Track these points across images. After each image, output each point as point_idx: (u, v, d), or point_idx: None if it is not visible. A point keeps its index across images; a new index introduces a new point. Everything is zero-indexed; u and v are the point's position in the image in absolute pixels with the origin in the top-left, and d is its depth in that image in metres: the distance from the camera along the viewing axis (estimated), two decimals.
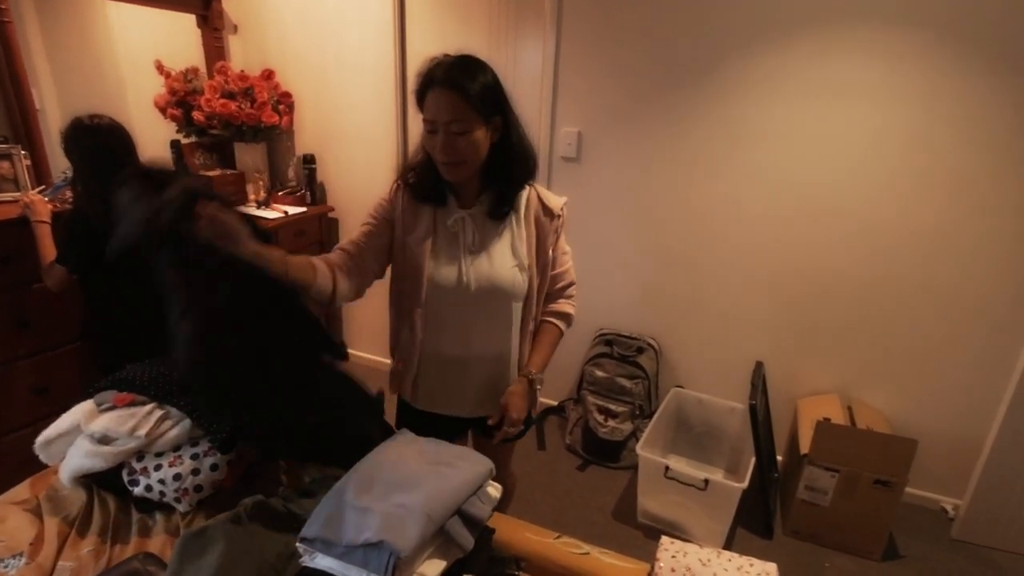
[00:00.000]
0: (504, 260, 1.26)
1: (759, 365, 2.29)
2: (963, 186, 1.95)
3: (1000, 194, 1.92)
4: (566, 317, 1.40)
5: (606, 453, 2.44)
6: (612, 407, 2.37)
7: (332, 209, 2.97)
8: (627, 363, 2.37)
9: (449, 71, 1.10)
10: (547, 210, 1.31)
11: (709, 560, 1.22)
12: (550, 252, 1.33)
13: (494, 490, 1.22)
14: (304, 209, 2.79)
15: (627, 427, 2.38)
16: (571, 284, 1.42)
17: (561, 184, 2.50)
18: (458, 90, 1.09)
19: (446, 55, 1.14)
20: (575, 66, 2.34)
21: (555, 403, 2.80)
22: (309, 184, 2.85)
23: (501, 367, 1.35)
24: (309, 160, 2.84)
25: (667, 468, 2.00)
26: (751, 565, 1.21)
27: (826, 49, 1.98)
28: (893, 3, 1.87)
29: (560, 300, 1.40)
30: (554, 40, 2.32)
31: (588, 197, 2.47)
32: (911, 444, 1.89)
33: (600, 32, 2.26)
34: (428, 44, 2.58)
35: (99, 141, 1.73)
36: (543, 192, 1.32)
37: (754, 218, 2.23)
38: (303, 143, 2.94)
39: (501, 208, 1.25)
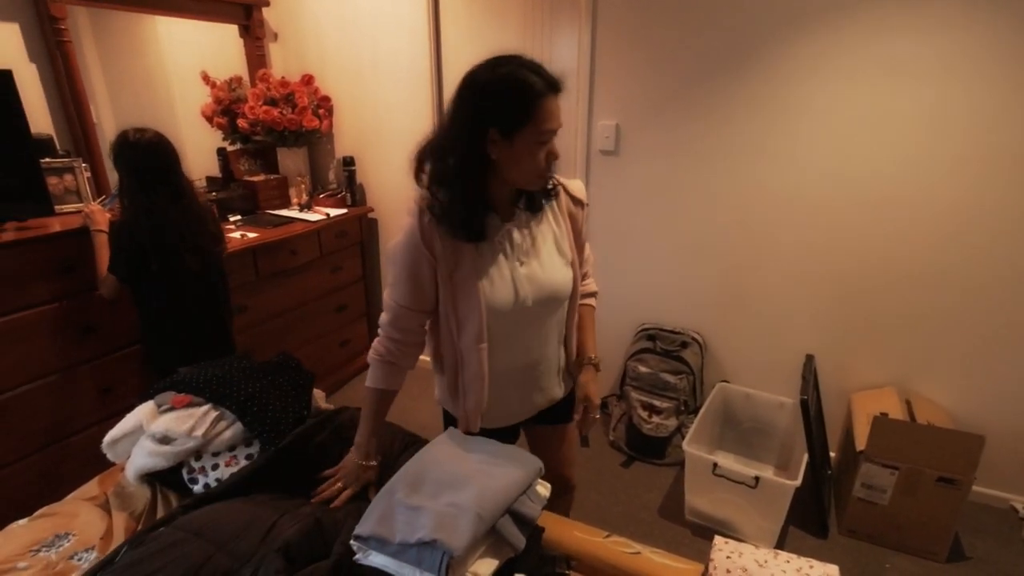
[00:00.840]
0: (554, 262, 1.21)
1: (810, 359, 2.21)
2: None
3: None
4: (595, 294, 1.42)
5: (651, 450, 2.41)
6: (656, 403, 2.33)
7: (371, 210, 3.02)
8: (671, 358, 2.33)
9: (551, 75, 1.04)
10: (575, 200, 1.27)
11: (766, 561, 1.18)
12: (584, 240, 1.32)
13: (543, 489, 1.22)
14: (345, 211, 2.84)
15: (672, 423, 2.34)
16: (591, 264, 1.42)
17: (600, 178, 2.47)
18: (559, 92, 1.04)
19: (517, 56, 1.06)
20: (611, 57, 2.30)
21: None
22: (349, 186, 2.90)
23: (558, 362, 1.34)
24: (349, 162, 2.88)
25: (715, 465, 1.96)
26: (811, 567, 1.16)
27: (877, 26, 1.88)
28: None
29: (587, 280, 1.39)
30: (589, 32, 2.29)
31: (627, 190, 2.43)
32: (978, 440, 1.79)
33: (636, 21, 2.21)
34: (463, 43, 2.58)
35: (142, 154, 1.79)
36: (566, 182, 1.26)
37: (801, 207, 2.16)
38: (343, 146, 2.99)
39: (545, 198, 1.20)
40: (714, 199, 2.28)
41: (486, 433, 1.29)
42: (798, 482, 1.83)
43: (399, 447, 1.46)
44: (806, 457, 1.93)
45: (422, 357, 1.30)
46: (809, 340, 2.27)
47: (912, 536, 1.94)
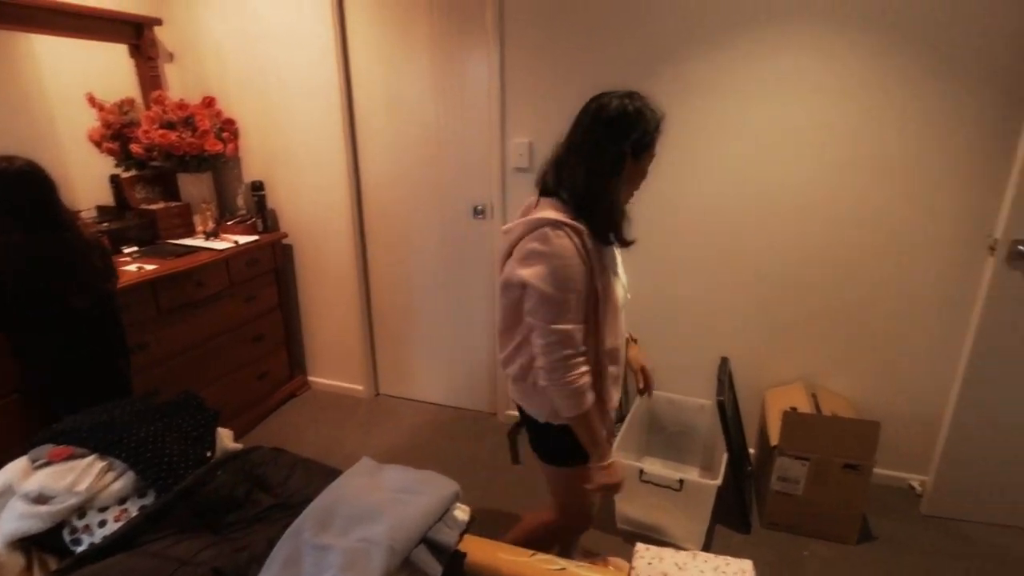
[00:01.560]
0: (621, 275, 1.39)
1: (724, 360, 2.31)
2: (908, 178, 2.02)
3: (940, 185, 1.99)
4: None
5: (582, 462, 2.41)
6: None
7: (285, 235, 2.90)
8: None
9: (660, 110, 1.26)
10: None
11: (685, 564, 1.20)
12: None
13: (462, 513, 1.19)
14: (256, 237, 2.71)
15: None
16: None
17: (516, 195, 2.49)
18: None
19: (636, 92, 1.26)
20: (521, 75, 2.34)
21: None
22: (260, 211, 2.77)
23: None
24: (258, 187, 2.76)
25: (641, 471, 1.99)
26: (727, 564, 1.20)
27: (777, 45, 2.02)
28: (831, 4, 1.93)
29: None
30: (498, 50, 2.32)
31: None
32: (875, 426, 1.92)
33: (542, 39, 2.27)
34: (372, 62, 2.55)
35: (10, 185, 1.63)
36: None
37: (714, 216, 2.26)
38: (251, 170, 2.86)
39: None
40: (628, 210, 2.35)
41: None
42: (719, 481, 1.89)
43: (316, 484, 1.38)
44: (726, 456, 2.00)
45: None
46: (724, 343, 2.38)
47: (826, 522, 2.05)
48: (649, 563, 1.21)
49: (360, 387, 3.08)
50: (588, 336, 1.24)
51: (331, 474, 1.41)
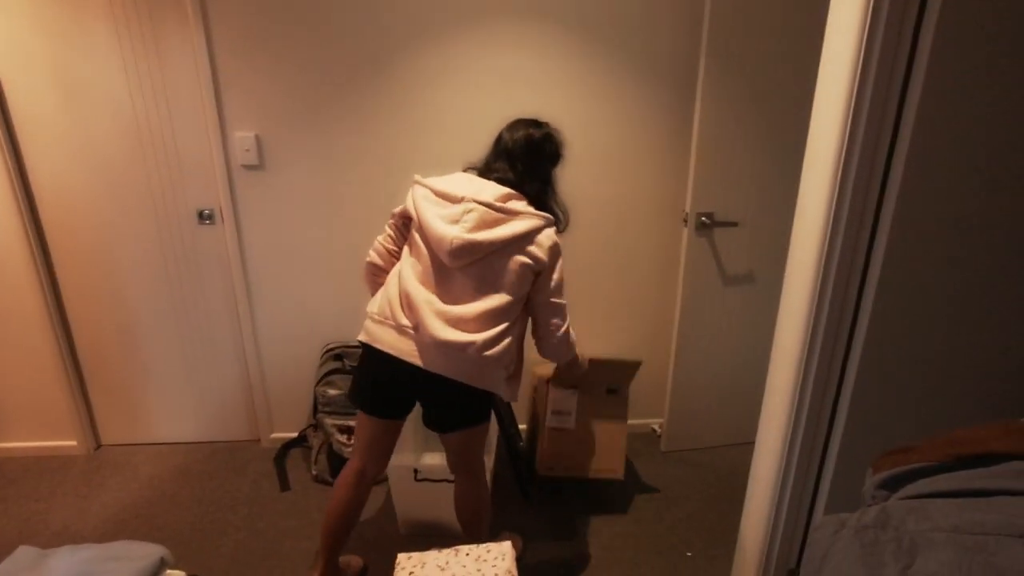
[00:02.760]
0: None
1: None
2: (618, 165, 2.28)
3: (643, 170, 2.29)
4: None
5: None
6: (353, 423, 2.20)
7: None
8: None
9: None
10: None
11: (447, 562, 1.16)
12: None
13: None
14: None
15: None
16: None
17: (248, 195, 2.20)
18: None
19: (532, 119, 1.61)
20: (237, 63, 2.06)
21: (294, 434, 2.52)
22: None
23: None
24: None
25: (416, 472, 1.93)
26: (488, 552, 1.19)
27: (487, 41, 2.09)
28: (537, 4, 2.06)
29: None
30: (203, 33, 2.00)
31: (283, 205, 2.23)
32: (636, 364, 2.12)
33: (256, 24, 2.02)
34: (22, 32, 1.99)
35: None
36: None
37: None
38: None
39: None
40: (371, 205, 2.25)
41: None
42: (490, 463, 1.92)
43: None
44: (496, 436, 2.05)
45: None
46: None
47: (598, 458, 2.18)
48: (411, 572, 1.14)
49: (72, 442, 2.46)
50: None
51: None
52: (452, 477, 1.93)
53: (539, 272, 1.45)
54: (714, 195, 2.21)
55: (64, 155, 2.14)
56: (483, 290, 1.41)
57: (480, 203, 1.39)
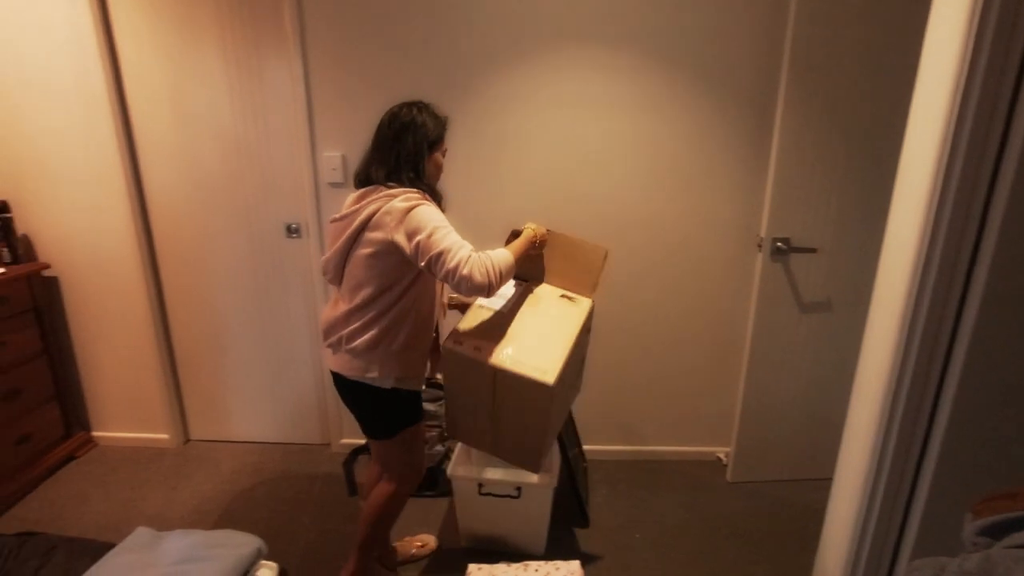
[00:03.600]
0: None
1: None
2: (687, 185, 2.27)
3: (714, 191, 2.27)
4: None
5: (424, 482, 2.32)
6: None
7: (47, 266, 2.39)
8: (428, 385, 2.29)
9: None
10: None
11: None
12: None
13: (268, 571, 1.04)
14: (2, 270, 2.19)
15: (438, 450, 2.30)
16: None
17: (331, 211, 2.33)
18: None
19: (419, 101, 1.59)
20: (328, 86, 2.20)
21: (362, 441, 2.61)
22: (4, 238, 2.25)
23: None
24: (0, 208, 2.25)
25: (480, 485, 1.96)
26: (557, 569, 1.20)
27: (569, 63, 2.14)
28: (612, 29, 2.10)
29: None
30: (300, 59, 2.16)
31: None
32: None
33: (347, 49, 2.16)
34: (149, 61, 2.22)
35: None
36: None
37: (514, 224, 2.32)
38: None
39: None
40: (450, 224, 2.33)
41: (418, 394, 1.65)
42: (554, 483, 1.93)
43: (80, 569, 1.12)
44: (558, 456, 2.05)
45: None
46: None
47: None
48: None
49: (164, 436, 2.65)
50: (424, 293, 1.53)
51: (102, 552, 1.16)
52: (515, 493, 1.96)
53: (396, 247, 1.41)
54: (791, 220, 2.16)
55: (173, 170, 2.35)
56: (353, 291, 1.50)
57: (332, 221, 1.55)
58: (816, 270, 2.23)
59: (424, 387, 1.68)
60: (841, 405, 2.38)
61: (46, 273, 2.41)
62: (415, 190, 1.45)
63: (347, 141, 2.26)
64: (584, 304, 1.69)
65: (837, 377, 2.33)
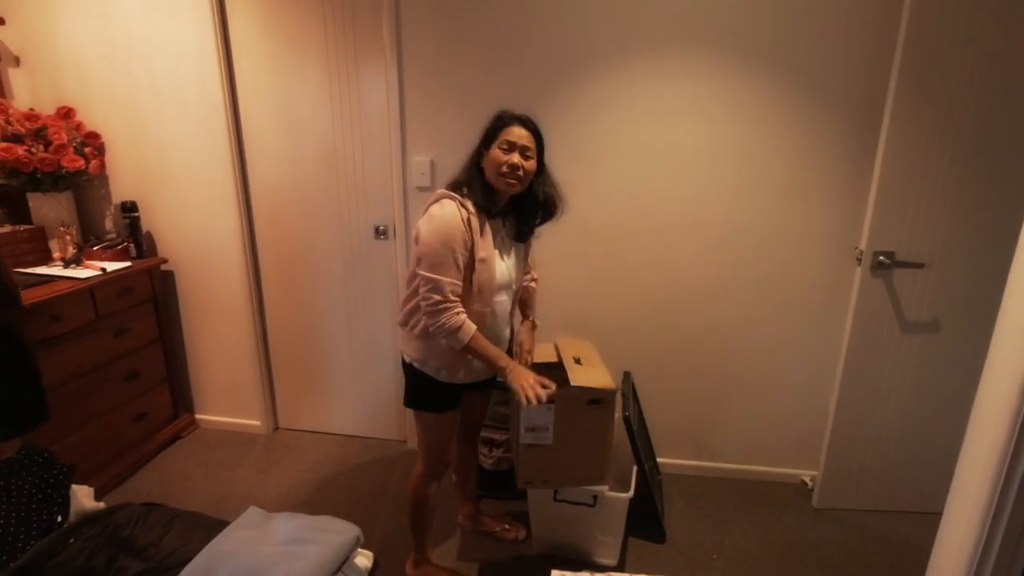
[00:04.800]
0: (522, 265, 1.73)
1: (627, 375, 2.36)
2: (784, 195, 2.17)
3: (812, 201, 2.17)
4: (535, 279, 1.92)
5: (498, 484, 2.36)
6: (494, 436, 2.30)
7: (165, 261, 2.63)
8: (501, 389, 2.32)
9: (526, 117, 1.56)
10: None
11: None
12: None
13: (364, 559, 1.09)
14: (127, 264, 2.43)
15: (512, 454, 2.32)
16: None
17: (419, 214, 2.41)
18: (532, 129, 1.56)
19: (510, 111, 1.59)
20: (421, 94, 2.29)
21: None
22: (132, 235, 2.50)
23: (510, 334, 1.78)
24: (129, 208, 2.49)
25: (556, 492, 1.97)
26: None
27: (666, 68, 2.11)
28: (715, 31, 2.06)
29: (532, 270, 1.91)
30: (396, 69, 2.26)
31: None
32: (609, 392, 1.72)
33: (441, 59, 2.24)
34: (260, 75, 2.39)
35: None
36: None
37: (614, 233, 2.32)
38: (121, 189, 2.58)
39: (524, 235, 1.70)
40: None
41: (459, 387, 1.70)
42: (631, 494, 1.91)
43: (197, 541, 1.22)
44: (635, 468, 2.02)
45: None
46: (627, 358, 2.42)
47: (581, 467, 1.99)
48: None
49: (257, 422, 2.84)
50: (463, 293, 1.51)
51: (216, 527, 1.25)
52: (590, 502, 1.94)
53: (416, 239, 1.52)
54: (896, 232, 2.02)
55: (277, 177, 2.52)
56: None
57: None
58: (922, 287, 2.08)
59: (464, 382, 1.69)
60: (946, 435, 2.22)
61: (164, 267, 2.65)
62: (448, 188, 1.55)
63: (436, 146, 2.33)
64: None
65: (943, 404, 2.16)
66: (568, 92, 2.20)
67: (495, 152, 1.52)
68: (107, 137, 2.50)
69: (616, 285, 2.38)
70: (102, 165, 2.51)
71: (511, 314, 1.73)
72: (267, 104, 2.43)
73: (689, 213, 2.25)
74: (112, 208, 2.59)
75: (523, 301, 1.85)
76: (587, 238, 2.34)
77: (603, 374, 1.78)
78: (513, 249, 1.67)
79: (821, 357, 2.32)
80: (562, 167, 2.26)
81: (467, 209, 1.49)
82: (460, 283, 1.49)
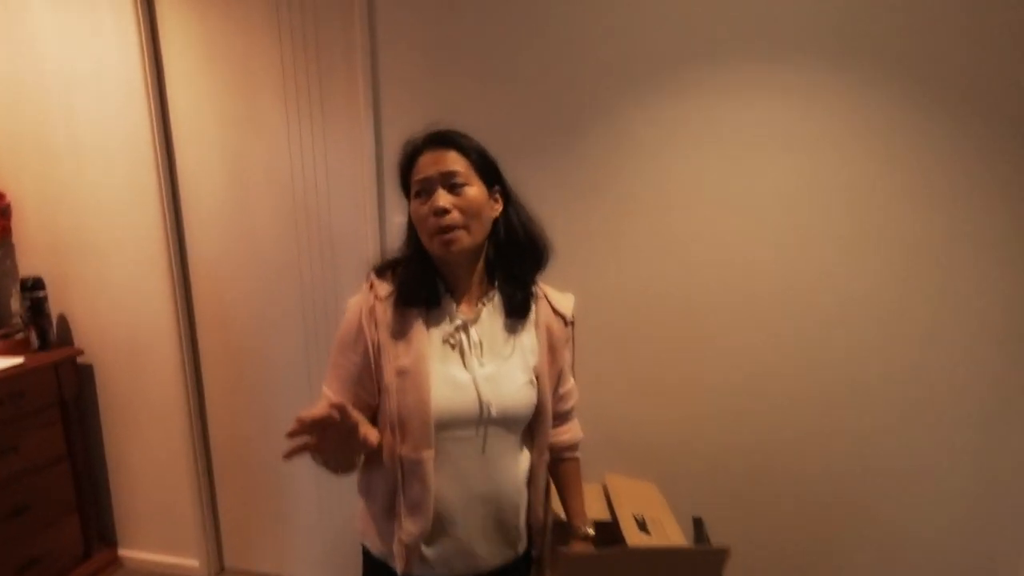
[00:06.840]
0: (516, 375, 0.99)
1: (698, 524, 1.61)
2: (929, 259, 1.50)
3: (972, 269, 1.48)
4: (578, 445, 1.17)
5: None
6: None
7: (80, 352, 2.04)
8: None
9: (436, 133, 0.99)
10: (558, 314, 1.07)
11: None
12: (562, 366, 1.09)
13: None
14: (18, 361, 1.85)
15: None
16: (574, 404, 1.16)
17: None
18: (452, 145, 0.97)
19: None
20: (404, 138, 1.72)
21: None
22: (35, 320, 1.93)
23: (517, 501, 1.03)
24: (31, 286, 1.93)
25: None
26: None
27: (749, 87, 1.51)
28: (813, 41, 1.46)
29: (568, 423, 1.16)
30: (372, 127, 1.73)
31: None
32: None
33: (430, 97, 1.70)
34: (203, 114, 1.87)
35: None
36: (549, 292, 1.09)
37: (660, 316, 1.66)
38: (29, 262, 2.04)
39: (520, 303, 1.01)
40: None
41: None
42: None
43: None
44: None
45: None
46: (696, 497, 1.69)
47: None
48: None
49: (194, 562, 2.15)
50: (382, 429, 0.97)
51: None
52: None
53: None
54: None
55: (220, 238, 1.95)
56: None
57: None
58: None
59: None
60: None
61: (80, 360, 2.06)
62: (375, 268, 1.03)
63: None
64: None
65: None
66: (608, 124, 1.60)
67: (414, 207, 0.98)
68: (13, 196, 1.99)
69: (677, 388, 1.69)
70: (6, 231, 1.98)
71: (534, 470, 1.04)
72: (211, 149, 1.89)
73: (774, 285, 1.59)
74: (17, 285, 2.04)
75: (560, 478, 1.16)
76: (630, 322, 1.68)
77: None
78: (512, 346, 1.00)
79: (985, 473, 1.56)
80: (584, 223, 1.65)
81: (375, 294, 0.97)
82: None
